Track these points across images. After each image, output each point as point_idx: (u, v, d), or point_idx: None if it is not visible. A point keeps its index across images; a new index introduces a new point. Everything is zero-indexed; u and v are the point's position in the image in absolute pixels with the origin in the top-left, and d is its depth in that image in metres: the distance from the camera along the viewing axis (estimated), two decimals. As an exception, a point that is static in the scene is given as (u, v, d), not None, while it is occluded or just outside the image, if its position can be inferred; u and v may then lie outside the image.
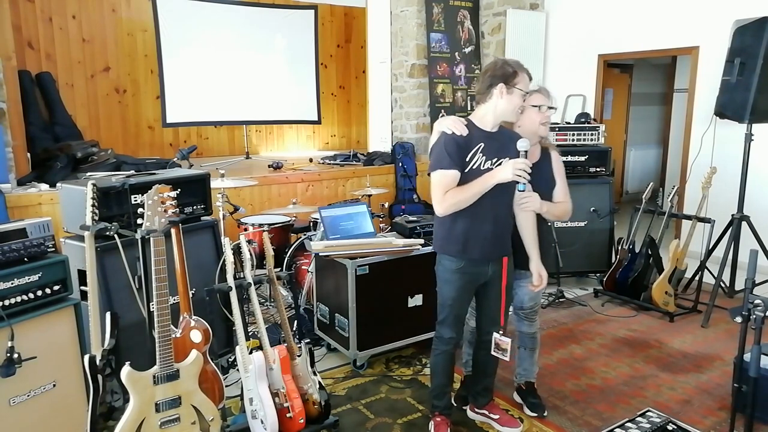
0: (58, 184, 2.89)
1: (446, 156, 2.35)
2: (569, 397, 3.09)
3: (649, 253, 4.39)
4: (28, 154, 5.01)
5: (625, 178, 8.66)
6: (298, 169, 5.88)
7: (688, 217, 4.41)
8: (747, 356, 2.28)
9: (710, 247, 4.45)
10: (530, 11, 6.77)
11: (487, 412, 2.82)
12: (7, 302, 2.22)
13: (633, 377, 3.31)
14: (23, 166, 4.81)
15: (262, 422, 2.42)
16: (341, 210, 3.65)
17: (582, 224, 4.79)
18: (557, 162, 2.76)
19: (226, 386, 2.65)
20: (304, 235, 4.20)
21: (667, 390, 3.16)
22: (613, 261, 4.72)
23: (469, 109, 6.83)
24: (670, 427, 2.66)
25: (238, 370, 2.57)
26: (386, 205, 5.31)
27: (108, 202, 2.67)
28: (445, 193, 2.36)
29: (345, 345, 3.34)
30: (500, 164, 2.40)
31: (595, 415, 2.91)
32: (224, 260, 2.56)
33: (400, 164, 6.14)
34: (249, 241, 3.67)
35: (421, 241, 3.42)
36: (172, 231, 2.40)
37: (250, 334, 3.23)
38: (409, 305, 3.45)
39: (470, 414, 2.89)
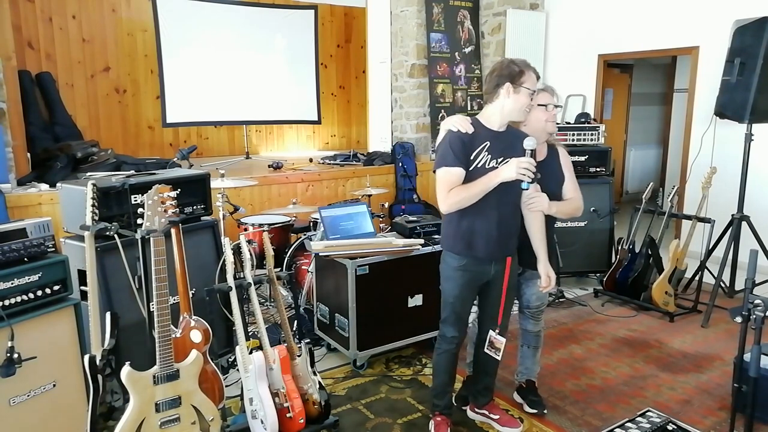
0: (58, 184, 2.89)
1: (451, 153, 2.36)
2: (569, 397, 3.09)
3: (649, 253, 4.39)
4: (28, 154, 5.01)
5: (625, 178, 8.66)
6: (298, 169, 5.88)
7: (688, 217, 4.41)
8: (747, 356, 2.28)
9: (710, 247, 4.45)
10: (530, 11, 6.77)
11: (487, 412, 2.82)
12: (7, 302, 2.22)
13: (633, 377, 3.31)
14: (23, 166, 4.81)
15: (262, 422, 2.42)
16: (341, 210, 3.65)
17: (582, 224, 4.79)
18: (565, 158, 2.76)
19: (226, 386, 2.65)
20: (304, 235, 4.20)
21: (667, 390, 3.16)
22: (613, 261, 4.72)
23: (469, 109, 6.83)
24: (670, 427, 2.66)
25: (238, 370, 2.57)
26: (386, 205, 5.31)
27: (108, 202, 2.67)
28: (450, 190, 2.36)
29: (345, 345, 3.34)
30: (506, 163, 2.40)
31: (595, 415, 2.91)
32: (224, 260, 2.56)
33: (400, 164, 6.13)
34: (249, 241, 3.66)
35: (421, 241, 3.42)
36: (172, 231, 2.40)
37: (250, 334, 3.23)
38: (409, 305, 3.45)
39: (470, 414, 2.89)
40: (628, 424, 2.69)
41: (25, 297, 2.29)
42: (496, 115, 2.42)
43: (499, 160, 2.40)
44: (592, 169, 4.88)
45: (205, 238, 3.19)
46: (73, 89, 6.36)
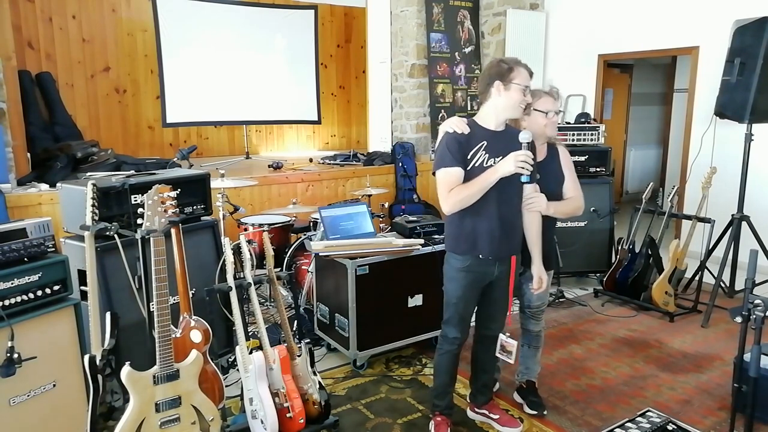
0: (58, 184, 2.89)
1: (448, 154, 2.37)
2: (569, 397, 3.09)
3: (649, 253, 4.39)
4: (28, 154, 5.01)
5: (625, 178, 8.66)
6: (298, 169, 5.88)
7: (688, 217, 4.41)
8: (747, 356, 2.28)
9: (710, 247, 4.45)
10: (530, 11, 6.77)
11: (487, 412, 2.82)
12: (7, 302, 2.22)
13: (633, 377, 3.31)
14: (23, 166, 4.81)
15: (262, 422, 2.42)
16: (341, 210, 3.65)
17: (582, 224, 4.80)
18: (565, 157, 2.76)
19: (226, 386, 2.65)
20: (304, 235, 4.19)
21: (667, 390, 3.16)
22: (613, 261, 4.72)
23: (469, 109, 6.83)
24: (670, 427, 2.66)
25: (238, 370, 2.57)
26: (386, 205, 5.31)
27: (108, 202, 2.67)
28: (450, 190, 2.37)
29: (345, 345, 3.34)
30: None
31: (595, 415, 2.91)
32: (224, 260, 2.56)
33: (400, 164, 6.13)
34: (249, 241, 3.67)
35: (421, 241, 3.42)
36: (172, 231, 2.40)
37: (250, 334, 3.23)
38: (409, 305, 3.45)
39: (470, 414, 2.89)
40: (628, 424, 2.69)
41: (25, 297, 2.29)
42: (490, 114, 2.44)
43: (498, 159, 2.40)
44: (592, 169, 4.88)
45: (205, 238, 3.19)
46: (73, 89, 6.36)
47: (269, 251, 2.71)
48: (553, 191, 2.61)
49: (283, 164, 5.95)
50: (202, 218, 3.21)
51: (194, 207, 3.13)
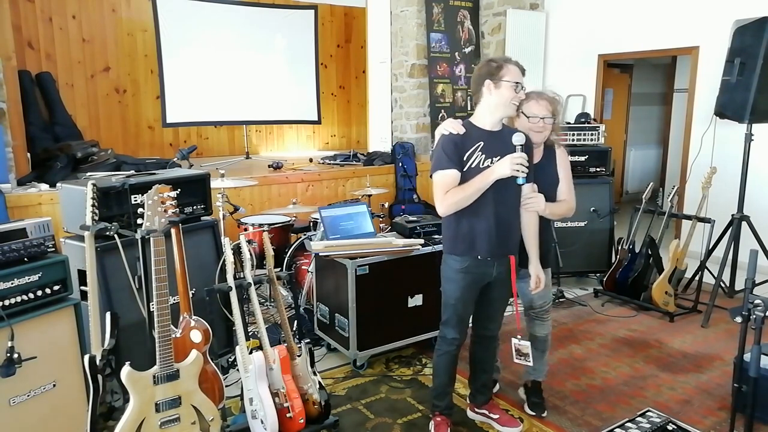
0: (58, 184, 2.89)
1: (444, 156, 2.38)
2: (569, 397, 3.09)
3: (649, 253, 4.39)
4: (28, 154, 5.01)
5: (625, 178, 8.66)
6: (298, 169, 5.88)
7: (688, 217, 4.41)
8: (747, 356, 2.28)
9: (710, 247, 4.45)
10: (530, 11, 6.77)
11: (486, 412, 2.82)
12: (7, 302, 2.22)
13: (633, 377, 3.31)
14: (23, 166, 4.81)
15: (262, 422, 2.42)
16: (341, 210, 3.65)
17: (582, 224, 4.79)
18: (562, 159, 2.75)
19: (226, 386, 2.65)
20: (304, 235, 4.20)
21: (667, 390, 3.16)
22: (613, 261, 4.71)
23: (469, 109, 6.83)
24: (670, 427, 2.66)
25: (238, 370, 2.57)
26: (386, 205, 5.31)
27: (108, 202, 2.67)
28: (446, 192, 2.37)
29: (345, 345, 3.34)
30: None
31: (595, 415, 2.91)
32: (224, 260, 2.56)
33: (400, 164, 6.14)
34: (249, 241, 3.67)
35: (421, 241, 3.42)
36: (172, 231, 2.40)
37: (250, 334, 3.23)
38: (409, 305, 3.45)
39: (470, 414, 2.89)
40: (628, 424, 2.69)
41: (25, 297, 2.29)
42: (485, 114, 2.44)
43: (495, 159, 2.40)
44: (592, 169, 4.88)
45: (205, 238, 3.19)
46: (73, 89, 6.36)
47: (269, 251, 2.71)
48: (546, 193, 2.60)
49: (283, 164, 5.95)
50: (202, 218, 3.21)
51: (194, 207, 3.13)
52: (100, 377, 2.20)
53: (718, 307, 4.16)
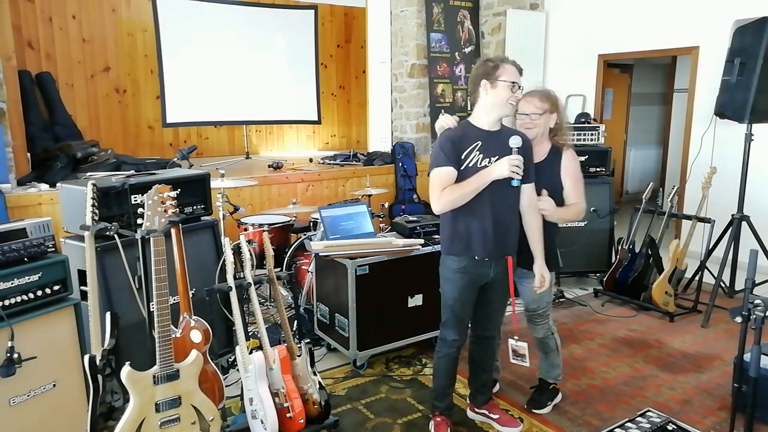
0: (58, 184, 2.89)
1: (441, 154, 2.39)
2: (569, 397, 3.09)
3: (649, 253, 4.39)
4: (28, 154, 5.01)
5: (625, 178, 8.66)
6: (298, 169, 5.88)
7: (688, 217, 4.41)
8: (747, 356, 2.28)
9: (710, 247, 4.45)
10: (530, 11, 6.77)
11: (486, 412, 2.82)
12: (7, 302, 2.22)
13: (633, 377, 3.31)
14: (23, 166, 4.81)
15: (262, 422, 2.42)
16: (341, 210, 3.65)
17: (582, 224, 4.79)
18: (569, 162, 2.71)
19: (226, 386, 2.65)
20: (304, 235, 4.20)
21: (667, 390, 3.16)
22: (613, 261, 4.72)
23: (468, 109, 6.81)
24: (670, 427, 2.66)
25: (238, 370, 2.57)
26: (386, 205, 5.31)
27: (108, 202, 2.67)
28: (442, 190, 2.38)
29: (345, 345, 3.34)
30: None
31: (595, 415, 2.91)
32: (224, 260, 2.56)
33: (400, 164, 6.14)
34: (249, 241, 3.67)
35: (421, 241, 3.42)
36: (172, 231, 2.40)
37: (250, 334, 3.23)
38: (409, 305, 3.45)
39: (470, 414, 2.89)
40: (628, 424, 2.69)
41: (25, 297, 2.29)
42: (482, 113, 2.45)
43: (493, 159, 2.40)
44: (592, 169, 4.88)
45: (205, 238, 3.19)
46: (73, 89, 6.36)
47: (269, 251, 2.71)
48: (542, 192, 2.59)
49: (283, 164, 5.95)
50: (202, 218, 3.21)
51: (194, 207, 3.13)
52: (100, 377, 2.20)
53: (718, 307, 4.16)
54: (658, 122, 9.03)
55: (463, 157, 2.39)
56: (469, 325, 2.70)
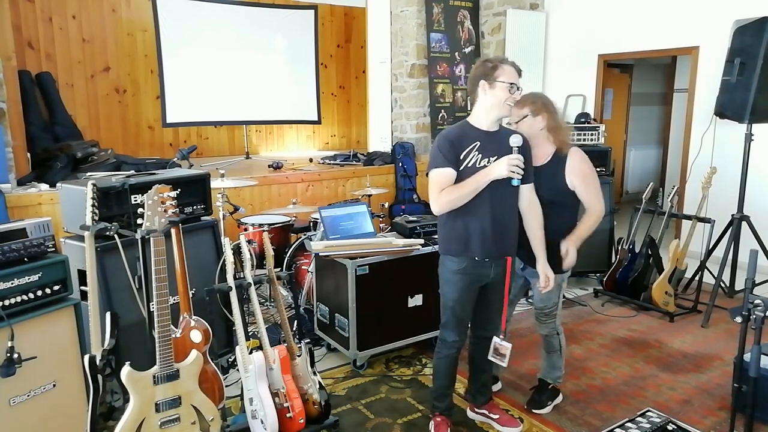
0: (58, 184, 2.89)
1: (440, 155, 2.40)
2: (569, 397, 3.09)
3: (649, 253, 4.39)
4: (28, 154, 5.01)
5: (625, 178, 8.65)
6: (298, 169, 5.88)
7: (688, 217, 4.41)
8: (747, 356, 2.28)
9: (710, 247, 4.45)
10: (530, 11, 6.77)
11: (486, 412, 2.82)
12: (7, 302, 2.22)
13: (633, 377, 3.31)
14: (23, 166, 4.81)
15: (262, 422, 2.42)
16: (341, 210, 3.65)
17: (582, 224, 4.78)
18: (575, 162, 2.67)
19: (226, 386, 2.65)
20: (304, 235, 4.20)
21: (667, 390, 3.16)
22: (613, 261, 4.72)
23: (468, 108, 6.82)
24: (670, 427, 2.66)
25: (238, 370, 2.57)
26: (386, 205, 5.31)
27: (108, 202, 2.67)
28: (441, 191, 2.38)
29: (345, 345, 3.34)
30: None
31: (595, 415, 2.91)
32: (224, 260, 2.56)
33: (400, 164, 6.14)
34: (249, 241, 3.67)
35: (421, 241, 3.42)
36: (172, 231, 2.40)
37: (250, 334, 3.23)
38: (409, 305, 3.45)
39: (470, 414, 2.88)
40: (628, 424, 2.69)
41: (25, 297, 2.29)
42: (481, 114, 2.45)
43: (492, 159, 2.40)
44: (592, 169, 4.87)
45: (205, 238, 3.19)
46: (73, 89, 6.36)
47: (269, 251, 2.71)
48: (544, 197, 2.57)
49: (283, 164, 5.95)
50: (202, 218, 3.21)
51: (194, 207, 3.13)
52: (100, 377, 2.20)
53: (718, 307, 4.16)
54: (658, 122, 9.03)
55: (461, 157, 2.39)
56: (469, 326, 2.70)
